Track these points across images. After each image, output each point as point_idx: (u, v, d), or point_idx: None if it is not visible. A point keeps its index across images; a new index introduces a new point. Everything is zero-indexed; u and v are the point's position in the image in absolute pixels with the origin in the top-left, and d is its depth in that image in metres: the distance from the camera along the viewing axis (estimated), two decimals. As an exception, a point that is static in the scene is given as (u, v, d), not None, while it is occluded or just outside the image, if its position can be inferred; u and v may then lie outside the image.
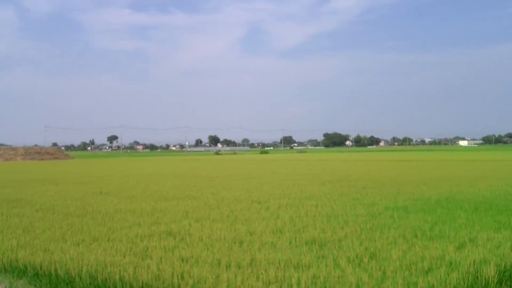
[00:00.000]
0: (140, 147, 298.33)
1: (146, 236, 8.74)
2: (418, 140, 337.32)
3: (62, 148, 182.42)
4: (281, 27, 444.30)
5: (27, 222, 10.64)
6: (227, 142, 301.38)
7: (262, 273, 6.16)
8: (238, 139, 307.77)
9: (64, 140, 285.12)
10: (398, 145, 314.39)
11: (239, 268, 6.49)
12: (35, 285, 6.65)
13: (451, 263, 6.48)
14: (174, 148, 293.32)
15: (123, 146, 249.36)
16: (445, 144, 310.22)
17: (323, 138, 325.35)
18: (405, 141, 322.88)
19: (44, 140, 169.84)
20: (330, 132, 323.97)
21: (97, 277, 6.30)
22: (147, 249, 7.68)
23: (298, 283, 5.73)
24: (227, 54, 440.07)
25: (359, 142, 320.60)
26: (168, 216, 11.11)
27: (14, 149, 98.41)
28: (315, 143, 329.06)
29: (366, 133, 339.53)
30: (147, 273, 6.17)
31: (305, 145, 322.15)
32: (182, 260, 6.88)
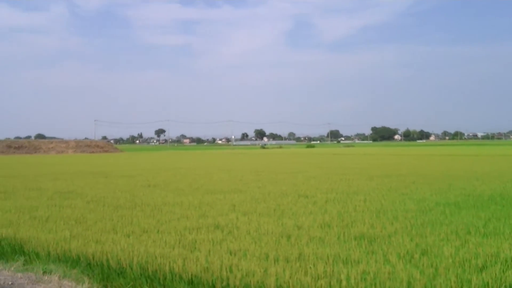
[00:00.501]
0: (187, 140, 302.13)
1: (194, 228, 8.82)
2: (470, 135, 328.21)
3: (111, 141, 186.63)
4: (327, 20, 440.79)
5: (79, 213, 10.92)
6: (273, 136, 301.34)
7: (310, 268, 6.11)
8: (284, 133, 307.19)
9: (113, 133, 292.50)
10: (449, 139, 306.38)
11: (287, 262, 6.46)
12: (88, 275, 6.81)
13: (506, 261, 6.27)
14: (220, 141, 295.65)
15: (170, 140, 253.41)
16: (498, 138, 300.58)
17: (371, 132, 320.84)
18: (457, 136, 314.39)
19: (94, 134, 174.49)
20: (378, 126, 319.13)
21: (148, 268, 6.40)
22: (195, 241, 7.74)
23: (348, 279, 5.65)
24: (273, 47, 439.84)
25: (408, 136, 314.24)
26: (215, 209, 11.19)
27: (65, 142, 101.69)
28: (362, 137, 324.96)
29: (415, 127, 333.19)
30: (196, 266, 6.22)
31: (352, 139, 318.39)
32: (230, 253, 6.90)
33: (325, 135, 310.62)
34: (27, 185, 18.06)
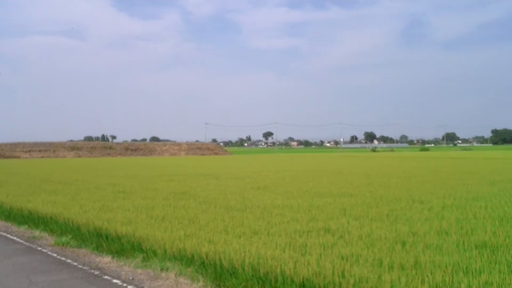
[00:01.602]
0: (295, 143, 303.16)
1: (305, 232, 8.74)
2: None
3: (221, 143, 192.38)
4: (442, 18, 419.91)
5: (192, 213, 11.26)
6: (384, 139, 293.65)
7: (427, 276, 5.81)
8: (395, 135, 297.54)
9: (222, 136, 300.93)
10: None
11: (402, 269, 6.19)
12: (202, 274, 6.98)
13: None
14: (328, 144, 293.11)
15: (278, 142, 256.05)
16: None
17: (491, 134, 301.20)
18: None
19: (205, 136, 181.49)
20: (499, 128, 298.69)
21: (259, 270, 6.42)
22: (306, 245, 7.66)
23: (469, 290, 5.29)
24: (384, 47, 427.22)
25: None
26: (325, 213, 11.03)
27: (178, 144, 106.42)
28: (481, 140, 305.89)
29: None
30: (307, 269, 6.13)
31: (470, 142, 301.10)
32: (342, 258, 6.74)
33: (440, 137, 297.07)
34: (143, 186, 19.03)
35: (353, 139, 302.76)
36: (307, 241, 7.95)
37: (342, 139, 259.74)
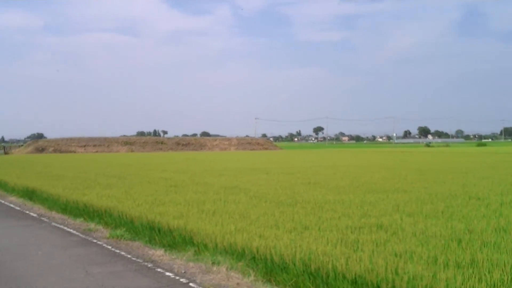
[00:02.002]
0: (346, 138, 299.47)
1: (356, 228, 8.62)
2: None
3: (271, 138, 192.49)
4: (500, 8, 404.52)
5: (243, 208, 11.30)
6: (439, 134, 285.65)
7: (485, 275, 5.62)
8: (451, 130, 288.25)
9: (272, 131, 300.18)
10: None
11: (458, 267, 6.01)
12: (252, 268, 6.99)
13: None
14: (380, 139, 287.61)
15: (328, 137, 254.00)
16: None
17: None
18: None
19: (255, 131, 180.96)
20: None
21: (310, 265, 6.37)
22: (358, 241, 7.55)
23: (531, 290, 5.06)
24: (439, 39, 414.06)
25: None
26: (378, 209, 10.84)
27: (228, 139, 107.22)
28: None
29: None
30: (360, 266, 6.04)
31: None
32: (395, 255, 6.59)
33: (498, 132, 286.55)
34: (194, 180, 19.25)
35: (407, 134, 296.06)
36: (359, 237, 7.83)
37: (395, 134, 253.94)
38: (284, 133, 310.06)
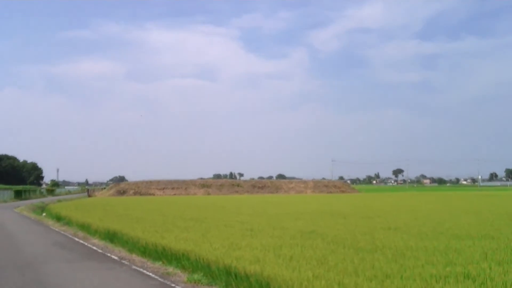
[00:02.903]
0: (427, 181, 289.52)
1: (442, 277, 8.15)
2: None
3: (348, 181, 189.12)
4: None
5: (320, 254, 11.02)
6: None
7: None
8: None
9: (349, 173, 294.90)
10: None
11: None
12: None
13: None
14: (464, 182, 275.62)
15: (409, 180, 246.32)
16: None
17: None
18: None
19: (331, 174, 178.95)
20: None
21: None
22: (444, 291, 7.10)
23: None
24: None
25: None
26: (464, 256, 10.24)
27: (304, 182, 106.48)
28: None
29: None
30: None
31: None
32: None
33: None
34: (271, 224, 19.12)
35: (493, 176, 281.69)
36: (445, 287, 7.38)
37: (480, 177, 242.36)
38: (362, 176, 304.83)
